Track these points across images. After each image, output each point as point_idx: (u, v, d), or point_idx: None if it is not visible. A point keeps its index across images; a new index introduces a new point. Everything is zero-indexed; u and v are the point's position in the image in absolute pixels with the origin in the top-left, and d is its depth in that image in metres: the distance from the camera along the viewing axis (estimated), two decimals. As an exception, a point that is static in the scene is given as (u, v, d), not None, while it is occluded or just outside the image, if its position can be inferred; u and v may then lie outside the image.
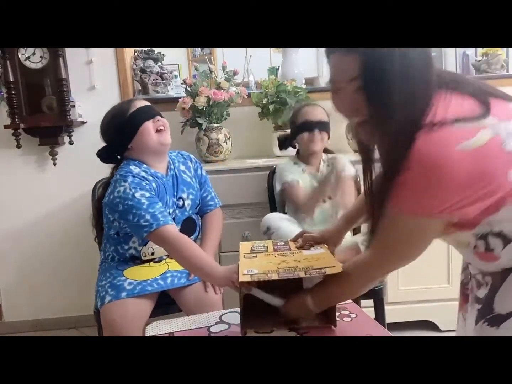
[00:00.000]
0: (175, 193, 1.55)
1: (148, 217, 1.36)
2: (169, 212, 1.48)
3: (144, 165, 1.51)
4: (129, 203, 1.38)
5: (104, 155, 1.56)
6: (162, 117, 1.54)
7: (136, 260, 1.57)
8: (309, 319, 1.10)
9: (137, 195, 1.39)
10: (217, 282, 1.37)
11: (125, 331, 1.36)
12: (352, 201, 1.82)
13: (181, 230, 1.51)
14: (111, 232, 1.55)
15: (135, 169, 1.47)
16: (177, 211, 1.54)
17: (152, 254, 1.55)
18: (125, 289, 1.43)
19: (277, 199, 1.94)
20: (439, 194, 0.78)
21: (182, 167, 1.62)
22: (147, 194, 1.40)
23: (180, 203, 1.55)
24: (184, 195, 1.56)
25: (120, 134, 1.49)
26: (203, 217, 1.69)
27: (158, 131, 1.48)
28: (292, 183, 1.83)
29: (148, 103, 1.53)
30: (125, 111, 1.48)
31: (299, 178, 1.84)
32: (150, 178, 1.48)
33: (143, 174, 1.47)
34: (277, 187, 1.89)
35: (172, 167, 1.58)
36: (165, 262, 1.57)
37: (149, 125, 1.47)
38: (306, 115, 1.84)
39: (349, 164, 1.87)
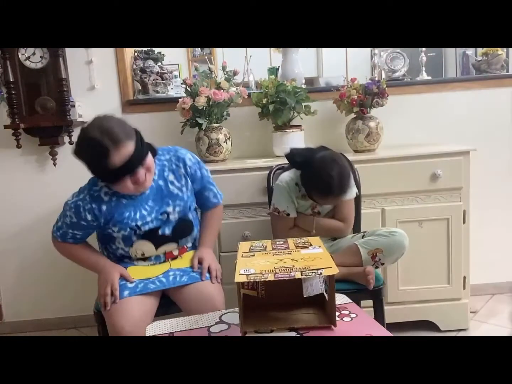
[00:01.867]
0: (158, 208, 1.48)
1: (61, 231, 1.50)
2: (136, 226, 1.45)
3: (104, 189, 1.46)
4: (62, 211, 1.49)
5: None
6: (142, 163, 1.36)
7: (129, 260, 1.55)
8: (309, 319, 1.10)
9: (68, 213, 1.47)
10: (107, 276, 1.45)
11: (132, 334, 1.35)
12: (352, 219, 1.78)
13: (175, 233, 1.52)
14: (100, 235, 1.59)
15: (100, 184, 1.45)
16: (159, 222, 1.48)
17: (143, 255, 1.53)
18: (127, 287, 1.43)
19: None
20: None
21: (171, 177, 1.51)
22: (74, 220, 1.46)
23: (164, 217, 1.49)
24: (170, 209, 1.49)
25: (97, 176, 1.44)
26: (204, 213, 1.69)
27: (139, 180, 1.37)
28: (281, 214, 1.73)
29: (128, 155, 1.31)
30: (103, 163, 1.31)
31: (294, 206, 1.74)
32: (106, 199, 1.45)
33: (102, 191, 1.45)
34: (271, 206, 1.79)
35: (156, 179, 1.49)
36: (168, 261, 1.57)
37: (126, 181, 1.36)
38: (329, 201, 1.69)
39: (353, 183, 1.74)
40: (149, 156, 1.40)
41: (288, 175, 1.76)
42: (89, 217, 1.44)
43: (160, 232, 1.49)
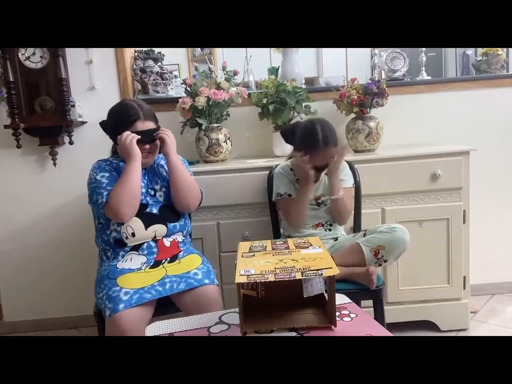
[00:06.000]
0: (148, 183, 1.68)
1: (105, 193, 1.55)
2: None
3: (121, 163, 1.65)
4: (93, 185, 1.59)
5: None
6: (154, 140, 1.62)
7: (122, 245, 1.58)
8: (309, 319, 1.10)
9: (98, 177, 1.59)
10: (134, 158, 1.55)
11: None
12: (351, 210, 1.82)
13: (161, 212, 1.63)
14: (96, 223, 1.66)
15: (110, 158, 1.68)
16: (148, 198, 1.65)
17: (133, 235, 1.57)
18: (121, 300, 1.39)
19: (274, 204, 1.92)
20: None
21: (162, 162, 1.74)
22: (107, 174, 1.60)
23: (152, 192, 1.67)
24: (157, 187, 1.68)
25: (112, 136, 1.66)
26: None
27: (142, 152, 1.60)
28: (284, 196, 1.81)
29: (149, 127, 1.61)
30: (125, 125, 1.58)
31: (293, 189, 1.80)
32: (114, 165, 1.65)
33: (112, 160, 1.66)
34: (273, 195, 1.86)
35: (153, 162, 1.71)
36: (163, 267, 1.55)
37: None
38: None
39: (350, 174, 1.85)
40: (157, 143, 1.65)
41: (283, 163, 1.91)
42: (109, 167, 1.63)
43: (148, 209, 1.61)
